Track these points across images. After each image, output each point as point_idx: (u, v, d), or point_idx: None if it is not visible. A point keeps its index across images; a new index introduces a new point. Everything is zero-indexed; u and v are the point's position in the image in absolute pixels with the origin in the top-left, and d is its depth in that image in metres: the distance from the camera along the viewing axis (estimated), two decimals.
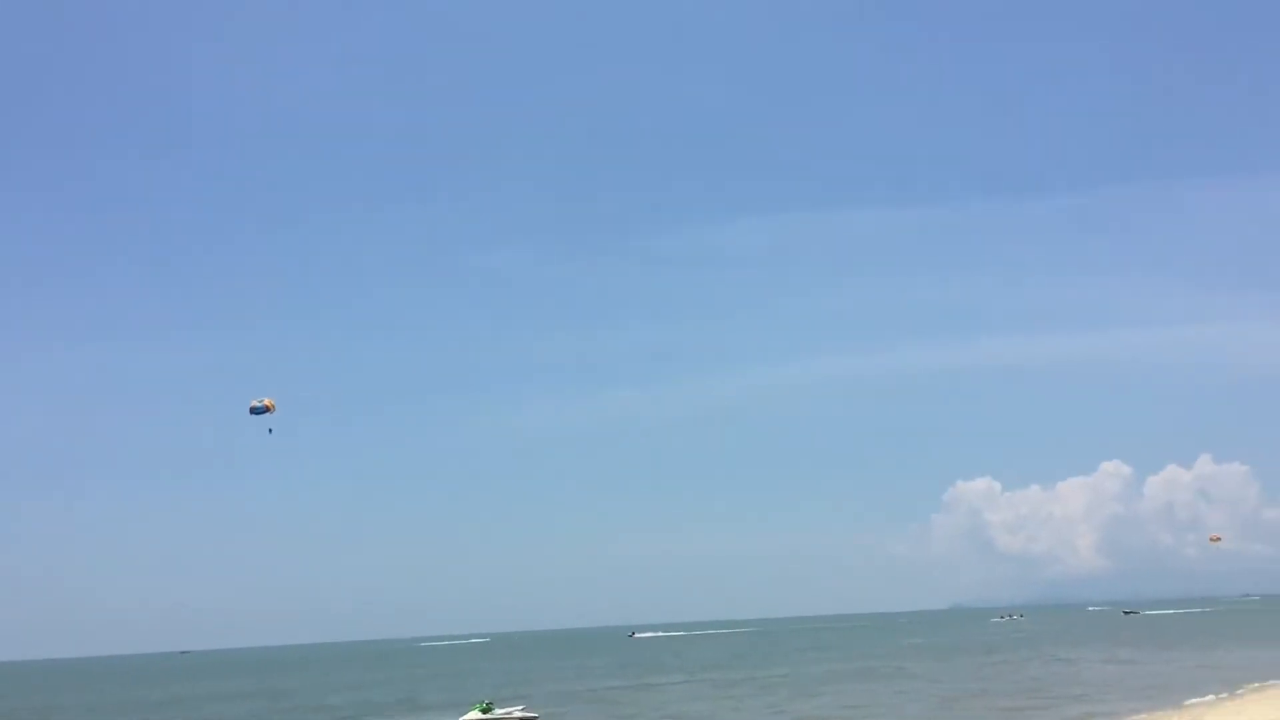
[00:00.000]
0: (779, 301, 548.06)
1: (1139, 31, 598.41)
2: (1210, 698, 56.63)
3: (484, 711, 60.12)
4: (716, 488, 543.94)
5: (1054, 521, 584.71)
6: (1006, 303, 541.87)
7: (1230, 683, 62.91)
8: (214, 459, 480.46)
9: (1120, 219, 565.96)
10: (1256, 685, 60.96)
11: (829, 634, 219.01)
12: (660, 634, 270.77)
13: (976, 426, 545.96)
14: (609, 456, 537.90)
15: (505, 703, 64.52)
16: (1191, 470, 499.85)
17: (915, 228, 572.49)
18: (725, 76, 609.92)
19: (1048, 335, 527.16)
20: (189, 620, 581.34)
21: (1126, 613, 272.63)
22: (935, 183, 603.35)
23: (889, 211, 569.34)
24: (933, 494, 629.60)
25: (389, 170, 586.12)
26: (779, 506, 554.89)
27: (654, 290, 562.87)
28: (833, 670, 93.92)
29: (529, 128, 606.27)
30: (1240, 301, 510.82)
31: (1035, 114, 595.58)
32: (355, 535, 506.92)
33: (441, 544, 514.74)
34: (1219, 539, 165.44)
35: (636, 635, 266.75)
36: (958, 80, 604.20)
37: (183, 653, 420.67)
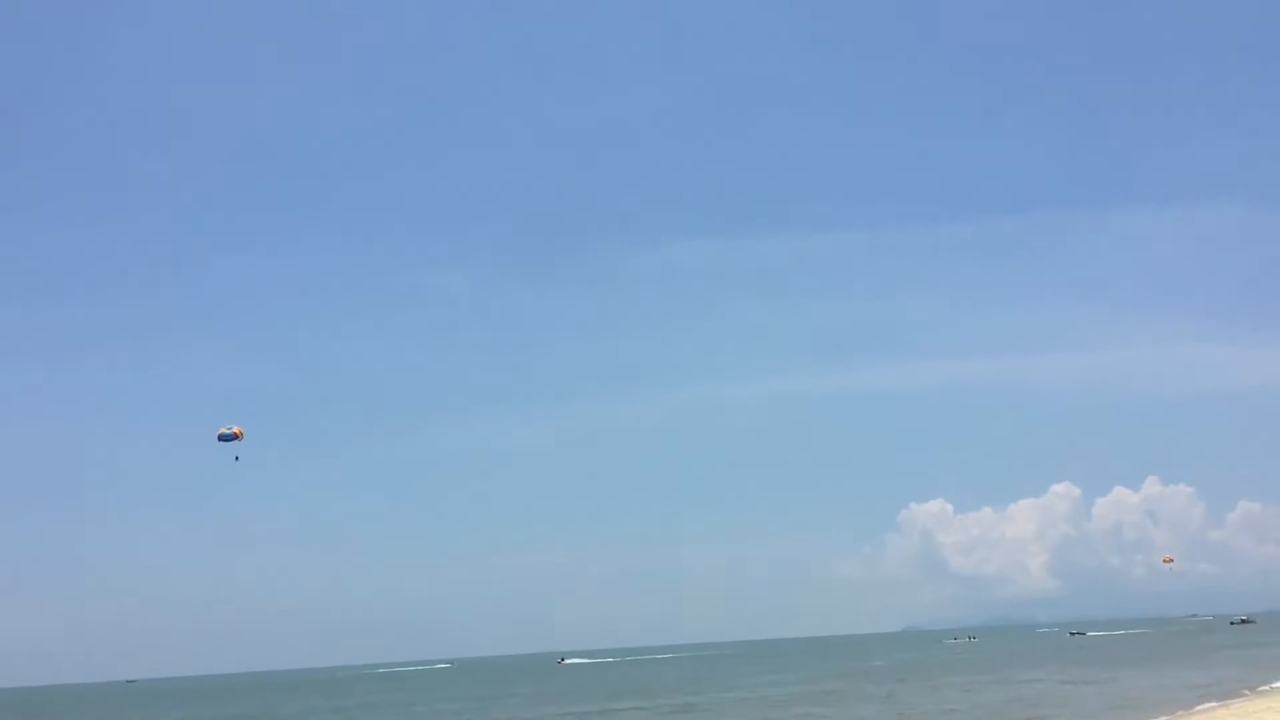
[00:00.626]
0: (725, 320, 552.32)
1: (1062, 59, 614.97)
2: (1164, 718, 57.48)
3: None
4: (653, 507, 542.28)
5: (1005, 543, 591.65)
6: (959, 326, 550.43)
7: (1181, 702, 63.91)
8: (163, 484, 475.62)
9: (1059, 243, 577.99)
10: (1213, 704, 61.92)
11: (781, 657, 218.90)
12: (589, 660, 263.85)
13: (930, 448, 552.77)
14: (540, 477, 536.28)
15: None
16: (1139, 492, 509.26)
17: (861, 250, 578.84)
18: (682, 94, 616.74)
19: (998, 358, 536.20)
20: (133, 647, 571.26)
21: (1073, 633, 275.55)
22: (884, 204, 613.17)
23: (834, 234, 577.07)
24: (887, 516, 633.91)
25: (345, 190, 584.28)
26: (724, 527, 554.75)
27: (597, 311, 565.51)
28: (793, 693, 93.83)
29: (485, 147, 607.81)
30: (1183, 324, 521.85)
31: (991, 135, 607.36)
32: (307, 558, 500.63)
33: (393, 566, 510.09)
34: (1171, 560, 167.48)
35: (566, 661, 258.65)
36: (897, 104, 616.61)
37: (129, 681, 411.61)
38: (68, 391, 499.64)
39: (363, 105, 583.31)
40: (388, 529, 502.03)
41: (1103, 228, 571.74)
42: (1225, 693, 68.84)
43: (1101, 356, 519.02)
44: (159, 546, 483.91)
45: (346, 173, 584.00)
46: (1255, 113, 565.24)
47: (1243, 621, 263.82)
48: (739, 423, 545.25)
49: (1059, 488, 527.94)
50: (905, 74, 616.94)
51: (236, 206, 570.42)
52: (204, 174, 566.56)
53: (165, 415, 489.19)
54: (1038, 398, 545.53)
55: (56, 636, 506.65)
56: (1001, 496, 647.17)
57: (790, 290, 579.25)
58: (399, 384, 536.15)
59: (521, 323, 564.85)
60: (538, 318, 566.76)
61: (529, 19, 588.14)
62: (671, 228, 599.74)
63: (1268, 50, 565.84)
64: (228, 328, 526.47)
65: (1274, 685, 72.57)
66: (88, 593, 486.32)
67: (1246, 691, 69.23)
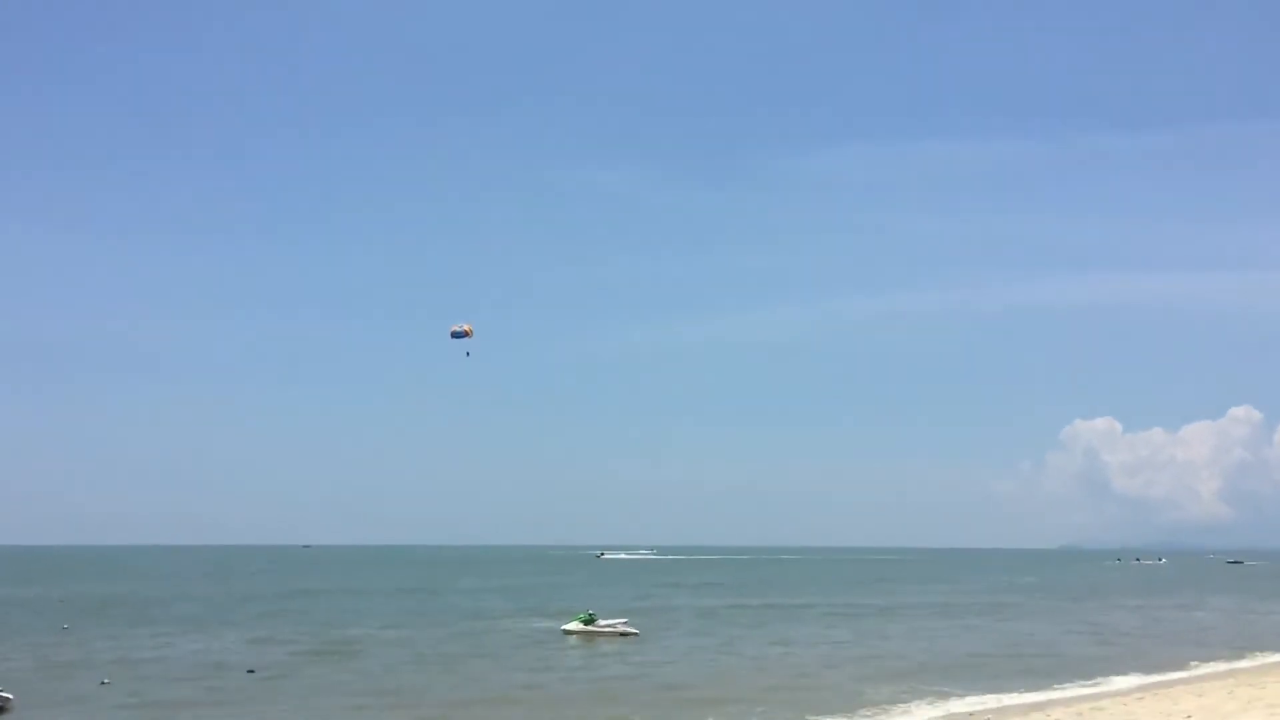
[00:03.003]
0: (890, 229, 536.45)
1: None
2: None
3: (586, 623, 60.64)
4: (815, 415, 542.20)
5: (1175, 465, 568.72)
6: (1140, 240, 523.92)
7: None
8: (345, 365, 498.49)
9: (1253, 157, 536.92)
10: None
11: (935, 566, 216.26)
12: (628, 556, 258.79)
13: (1101, 365, 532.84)
14: (693, 382, 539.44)
15: (608, 615, 64.58)
16: None
17: (1038, 160, 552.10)
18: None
19: (1181, 275, 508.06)
20: (309, 516, 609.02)
21: (1230, 561, 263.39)
22: (1055, 116, 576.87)
23: (1010, 143, 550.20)
24: (1050, 431, 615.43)
25: (491, 82, 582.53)
26: (884, 436, 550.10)
27: (759, 215, 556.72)
28: (952, 604, 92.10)
29: (634, 49, 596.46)
30: None
31: (1172, 47, 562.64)
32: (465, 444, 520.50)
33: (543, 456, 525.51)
34: None
35: (605, 556, 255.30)
36: (1076, 11, 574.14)
37: (305, 546, 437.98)
38: (273, 279, 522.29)
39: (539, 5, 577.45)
40: (539, 422, 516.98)
41: None
42: None
43: None
44: (345, 423, 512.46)
45: (514, 70, 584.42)
46: None
47: None
48: (899, 335, 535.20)
49: (1238, 411, 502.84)
50: None
51: (399, 100, 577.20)
52: (369, 67, 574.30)
53: (352, 300, 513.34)
54: (1220, 316, 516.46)
55: (240, 503, 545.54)
56: (1174, 417, 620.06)
57: (960, 199, 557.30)
58: (560, 281, 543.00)
59: (683, 225, 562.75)
60: (699, 220, 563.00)
61: None
62: (840, 133, 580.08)
63: None
64: (380, 214, 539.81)
65: None
66: (269, 464, 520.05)
67: None
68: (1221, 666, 47.56)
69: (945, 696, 38.00)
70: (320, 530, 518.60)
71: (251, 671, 43.94)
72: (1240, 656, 51.47)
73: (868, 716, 34.38)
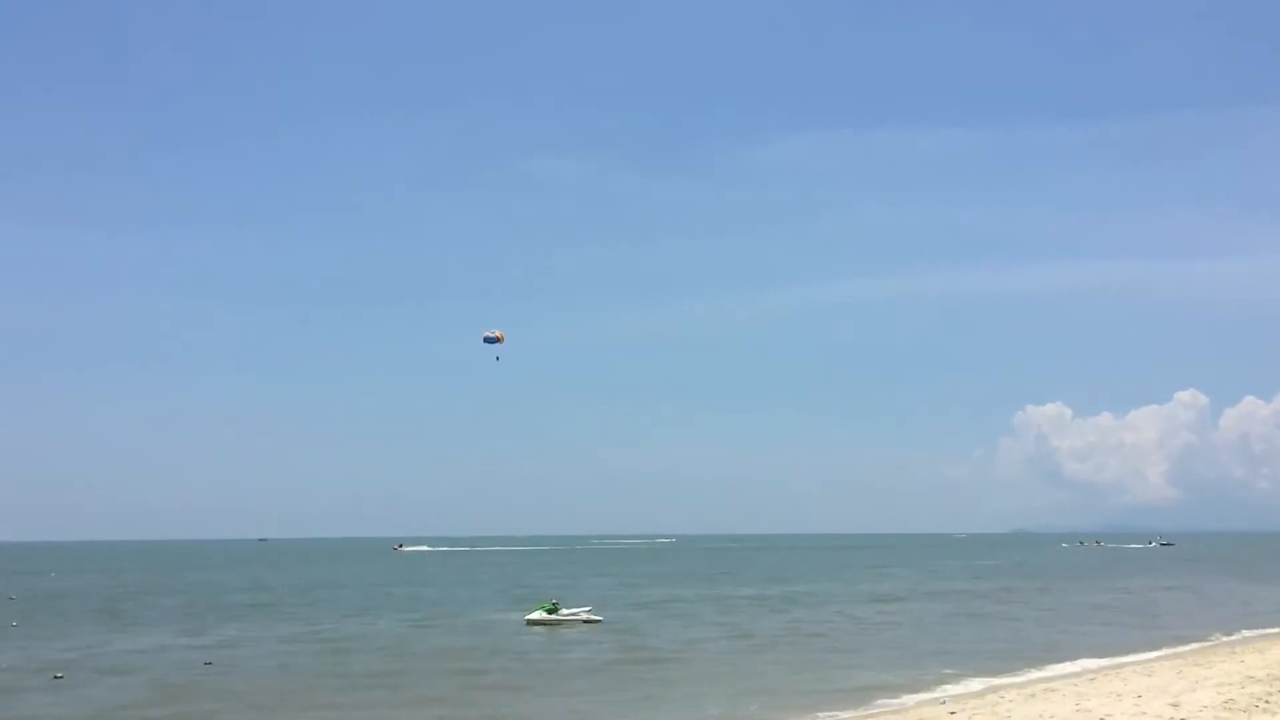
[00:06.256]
0: (843, 218, 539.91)
1: None
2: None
3: (549, 611, 60.54)
4: (769, 403, 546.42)
5: (1124, 450, 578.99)
6: (1088, 228, 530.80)
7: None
8: (311, 359, 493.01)
9: (1200, 146, 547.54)
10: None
11: (894, 552, 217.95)
12: (431, 549, 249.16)
13: (1051, 351, 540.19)
14: (642, 372, 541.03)
15: (570, 604, 64.55)
16: (1271, 403, 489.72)
17: (991, 148, 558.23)
18: None
19: (1127, 262, 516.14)
20: (269, 508, 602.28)
21: (1163, 544, 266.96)
22: (1006, 103, 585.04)
23: (961, 132, 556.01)
24: (1002, 417, 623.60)
25: (429, 75, 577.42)
26: (839, 424, 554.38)
27: (712, 204, 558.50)
28: (916, 590, 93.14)
29: (587, 41, 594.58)
30: None
31: (1114, 36, 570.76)
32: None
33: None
34: None
35: (404, 548, 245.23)
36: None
37: (261, 540, 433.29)
38: (226, 268, 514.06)
39: None
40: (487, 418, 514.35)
41: (1242, 130, 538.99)
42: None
43: (1237, 263, 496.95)
44: (302, 416, 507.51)
45: (461, 56, 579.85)
46: None
47: None
48: (853, 322, 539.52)
49: (1184, 395, 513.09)
50: None
51: (349, 88, 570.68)
52: (319, 55, 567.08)
53: (291, 289, 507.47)
54: (1167, 303, 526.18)
55: (195, 495, 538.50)
56: (1123, 402, 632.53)
57: (914, 188, 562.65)
58: (506, 270, 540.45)
59: (632, 214, 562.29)
60: (649, 209, 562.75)
61: None
62: (792, 121, 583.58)
63: None
64: (339, 206, 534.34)
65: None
66: (223, 456, 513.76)
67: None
68: (1171, 648, 48.60)
69: (898, 683, 38.23)
70: (276, 524, 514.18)
71: (209, 664, 43.68)
72: (1189, 637, 52.61)
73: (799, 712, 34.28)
